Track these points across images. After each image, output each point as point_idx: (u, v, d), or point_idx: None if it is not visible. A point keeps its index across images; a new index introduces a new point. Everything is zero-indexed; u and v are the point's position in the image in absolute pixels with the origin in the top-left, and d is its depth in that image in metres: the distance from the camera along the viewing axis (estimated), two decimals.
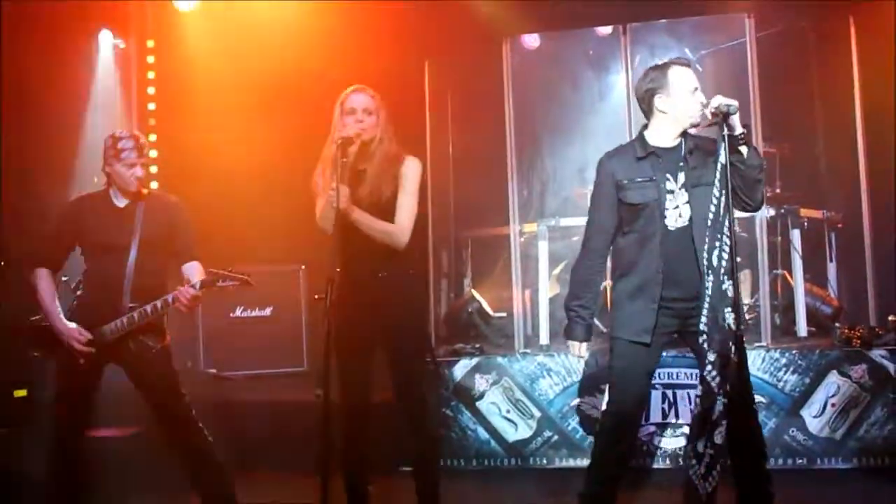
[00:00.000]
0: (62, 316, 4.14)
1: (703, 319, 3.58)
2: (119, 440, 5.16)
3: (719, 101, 3.55)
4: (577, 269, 3.94)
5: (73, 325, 4.12)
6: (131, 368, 4.19)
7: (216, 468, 4.28)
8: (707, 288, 3.57)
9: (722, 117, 3.54)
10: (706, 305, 3.58)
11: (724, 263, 3.55)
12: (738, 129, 3.55)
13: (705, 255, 3.59)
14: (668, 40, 6.29)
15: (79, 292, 4.24)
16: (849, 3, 6.02)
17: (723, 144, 3.54)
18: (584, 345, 3.90)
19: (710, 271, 3.57)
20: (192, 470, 4.26)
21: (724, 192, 3.54)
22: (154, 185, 6.26)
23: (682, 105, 3.70)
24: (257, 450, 5.25)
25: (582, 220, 6.00)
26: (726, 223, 3.55)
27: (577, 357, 3.97)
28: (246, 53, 6.75)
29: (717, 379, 3.58)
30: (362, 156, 3.99)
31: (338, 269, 3.66)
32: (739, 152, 3.57)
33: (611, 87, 6.90)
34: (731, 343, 3.54)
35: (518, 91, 5.92)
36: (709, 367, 3.58)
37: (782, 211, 5.95)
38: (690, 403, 5.04)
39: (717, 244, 3.56)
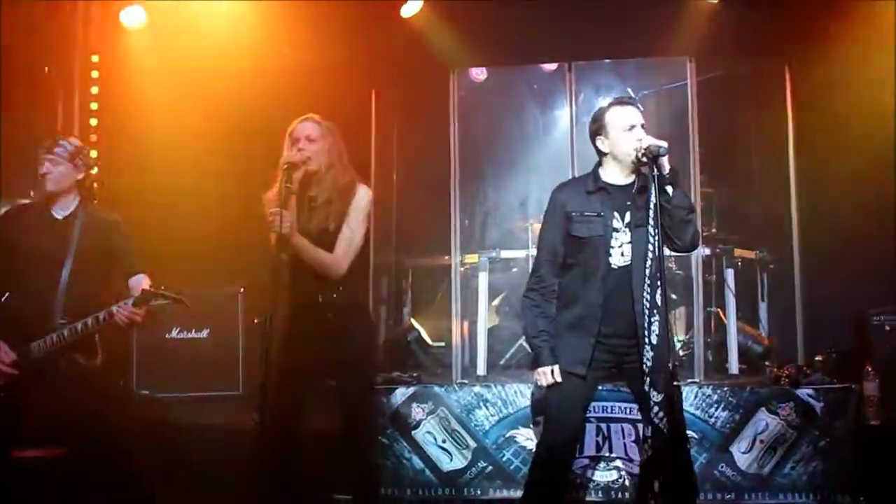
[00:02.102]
0: None
1: (647, 361, 3.61)
2: (45, 461, 5.02)
3: (650, 141, 3.63)
4: (529, 297, 3.93)
5: None
6: (60, 387, 4.10)
7: (146, 493, 4.21)
8: (652, 328, 3.59)
9: (652, 158, 3.60)
10: (648, 346, 3.60)
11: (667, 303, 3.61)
12: (666, 170, 3.62)
13: (647, 294, 3.61)
14: (611, 79, 6.42)
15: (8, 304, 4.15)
16: (785, 53, 6.22)
17: (653, 185, 3.60)
18: (555, 368, 3.78)
19: (654, 311, 3.58)
20: (120, 494, 4.18)
21: (657, 231, 3.60)
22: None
23: (619, 144, 3.76)
24: (190, 474, 5.15)
25: (522, 253, 6.20)
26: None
27: (548, 383, 3.80)
28: (191, 74, 6.71)
29: (665, 419, 3.61)
30: (313, 183, 3.99)
31: (281, 293, 3.66)
32: (666, 192, 3.63)
33: (555, 122, 7.01)
34: (672, 383, 3.60)
35: (464, 123, 5.95)
36: (655, 409, 3.60)
37: (717, 250, 6.08)
38: (624, 437, 5.10)
39: (659, 283, 3.58)
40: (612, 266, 3.74)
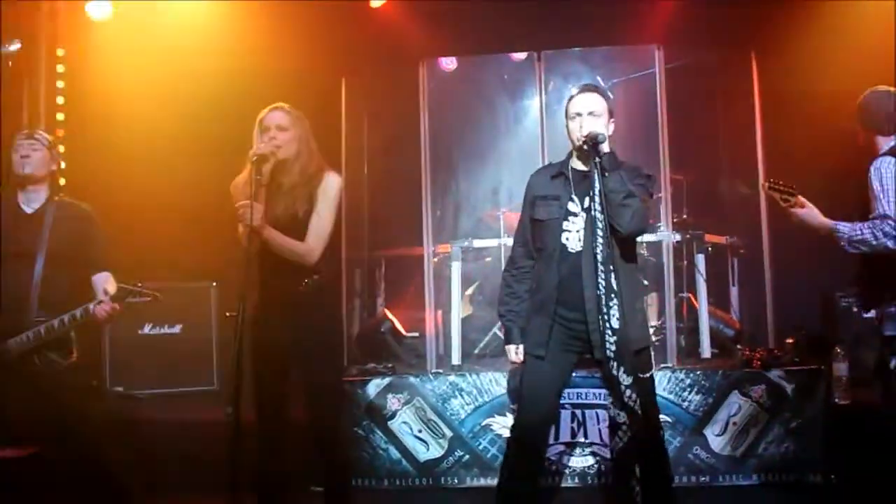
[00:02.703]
0: None
1: (611, 346, 3.63)
2: (17, 461, 4.97)
3: (588, 128, 3.70)
4: (503, 278, 4.08)
5: None
6: (36, 385, 4.06)
7: (122, 491, 4.19)
8: (612, 312, 3.62)
9: (591, 144, 3.67)
10: (609, 330, 3.62)
11: (624, 287, 3.63)
12: (604, 154, 3.68)
13: (602, 278, 3.64)
14: (580, 68, 6.45)
15: None
16: (751, 41, 6.27)
17: (595, 171, 3.66)
18: (520, 347, 3.94)
19: (613, 295, 3.61)
20: (95, 492, 4.15)
21: (604, 216, 3.65)
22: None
23: (570, 132, 3.84)
24: (166, 471, 5.12)
25: (495, 242, 6.24)
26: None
27: (514, 361, 3.98)
28: (159, 66, 6.65)
29: (638, 402, 3.65)
30: (281, 171, 3.98)
31: (251, 286, 3.65)
32: (603, 176, 3.67)
33: (525, 111, 7.02)
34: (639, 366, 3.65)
35: (434, 112, 5.95)
36: (628, 392, 3.63)
37: (688, 236, 6.13)
38: (599, 423, 5.15)
39: (613, 267, 3.62)
40: (569, 250, 3.79)
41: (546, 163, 5.54)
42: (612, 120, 3.87)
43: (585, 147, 3.71)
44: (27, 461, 4.69)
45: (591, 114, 3.78)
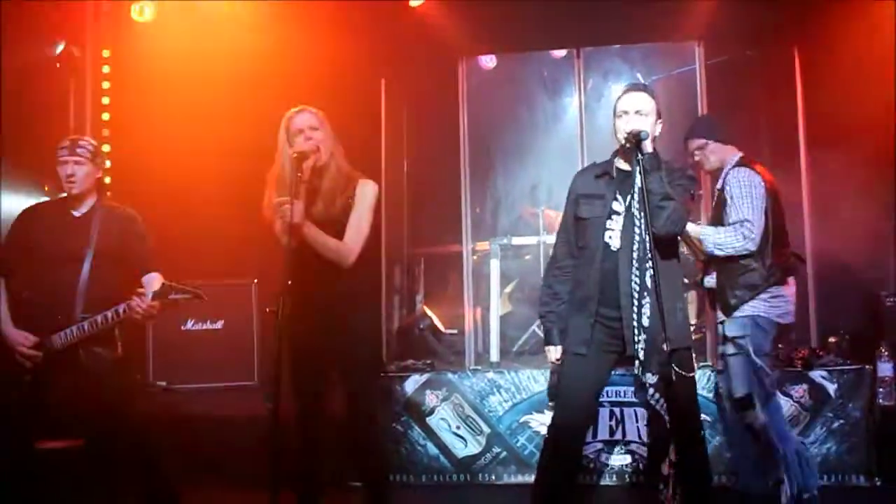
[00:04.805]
0: (10, 322, 4.12)
1: (641, 344, 3.63)
2: (67, 452, 5.07)
3: (631, 126, 3.69)
4: (545, 277, 4.06)
5: (18, 331, 4.09)
6: (82, 379, 4.15)
7: (163, 482, 4.26)
8: (643, 310, 3.62)
9: (634, 143, 3.65)
10: (639, 328, 3.62)
11: (664, 286, 3.61)
12: (646, 154, 3.66)
13: (636, 277, 3.65)
14: (620, 65, 6.44)
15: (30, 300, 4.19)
16: (794, 36, 6.20)
17: (637, 169, 3.64)
18: (557, 348, 3.91)
19: (645, 293, 3.62)
20: (139, 484, 4.24)
21: (643, 214, 3.64)
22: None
23: (616, 130, 3.82)
24: (207, 464, 5.20)
25: (534, 240, 6.24)
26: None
27: (554, 361, 3.93)
28: (202, 66, 6.72)
29: (662, 401, 3.64)
30: (318, 174, 4.02)
31: (289, 283, 3.69)
32: (645, 176, 3.65)
33: (564, 108, 7.03)
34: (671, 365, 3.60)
35: (473, 111, 5.98)
36: (651, 391, 3.64)
37: None
38: (638, 421, 5.12)
39: (648, 266, 3.61)
40: (612, 248, 3.76)
41: (583, 160, 5.57)
42: (659, 120, 3.83)
43: (628, 145, 3.69)
44: (71, 453, 4.79)
45: (637, 112, 3.76)
